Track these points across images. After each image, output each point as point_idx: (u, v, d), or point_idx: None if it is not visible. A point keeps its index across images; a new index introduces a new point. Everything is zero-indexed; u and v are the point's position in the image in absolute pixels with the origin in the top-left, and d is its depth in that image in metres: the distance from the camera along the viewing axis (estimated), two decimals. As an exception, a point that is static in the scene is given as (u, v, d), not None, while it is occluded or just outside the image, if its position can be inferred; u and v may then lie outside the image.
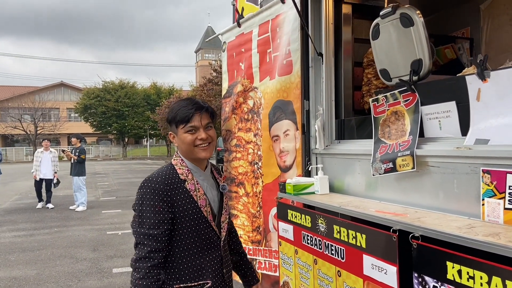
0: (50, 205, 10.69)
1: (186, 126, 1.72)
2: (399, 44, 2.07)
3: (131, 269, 1.63)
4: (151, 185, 1.66)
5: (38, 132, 38.64)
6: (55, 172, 10.71)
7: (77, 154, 10.13)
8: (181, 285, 1.69)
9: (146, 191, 1.66)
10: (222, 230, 1.84)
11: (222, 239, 1.84)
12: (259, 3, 3.70)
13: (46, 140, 11.02)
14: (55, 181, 10.70)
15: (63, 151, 10.79)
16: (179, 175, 1.73)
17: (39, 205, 10.77)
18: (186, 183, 1.73)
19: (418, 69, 1.98)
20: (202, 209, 1.73)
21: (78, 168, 10.21)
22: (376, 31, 2.18)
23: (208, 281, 1.73)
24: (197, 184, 1.76)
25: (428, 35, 2.00)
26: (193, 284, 1.70)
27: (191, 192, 1.72)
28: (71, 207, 10.42)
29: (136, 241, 1.65)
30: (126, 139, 43.48)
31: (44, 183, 10.69)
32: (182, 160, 1.79)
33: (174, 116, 1.75)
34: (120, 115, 40.08)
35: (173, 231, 1.68)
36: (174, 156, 1.83)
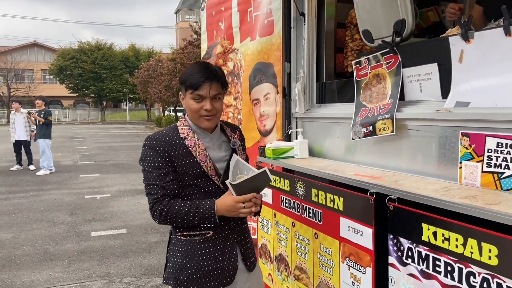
0: (31, 167, 10.50)
1: (193, 93, 1.73)
2: (382, 3, 1.99)
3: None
4: (150, 143, 1.76)
5: (12, 94, 37.25)
6: (32, 131, 10.45)
7: (42, 116, 9.85)
8: (184, 233, 1.77)
9: (146, 148, 1.77)
10: None
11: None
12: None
13: (15, 102, 10.68)
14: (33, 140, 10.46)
15: (29, 113, 10.41)
16: (180, 134, 1.80)
17: (14, 167, 10.56)
18: (186, 140, 1.78)
19: (401, 30, 1.92)
20: (201, 164, 1.76)
21: (45, 130, 9.97)
22: (360, -11, 2.09)
23: (209, 231, 1.76)
24: (198, 140, 1.79)
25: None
26: (194, 232, 1.76)
27: (190, 148, 1.76)
28: (31, 169, 10.30)
29: (146, 192, 1.77)
30: (104, 103, 42.45)
31: (22, 145, 10.48)
32: (185, 120, 1.85)
33: (184, 79, 1.76)
34: (98, 77, 38.86)
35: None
36: (180, 118, 1.89)
